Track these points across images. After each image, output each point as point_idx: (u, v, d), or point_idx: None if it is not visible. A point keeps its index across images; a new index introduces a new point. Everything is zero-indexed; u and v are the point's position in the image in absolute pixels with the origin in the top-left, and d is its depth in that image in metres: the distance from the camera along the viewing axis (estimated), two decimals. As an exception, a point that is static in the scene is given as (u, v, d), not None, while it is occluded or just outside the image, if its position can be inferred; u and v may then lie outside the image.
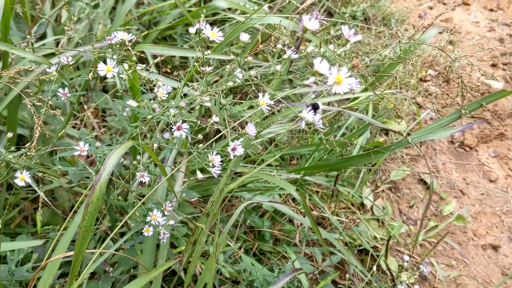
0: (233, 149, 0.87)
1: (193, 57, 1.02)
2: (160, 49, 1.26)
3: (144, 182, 1.07)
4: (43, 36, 2.44)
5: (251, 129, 0.90)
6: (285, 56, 0.96)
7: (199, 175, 0.99)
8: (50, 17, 2.70)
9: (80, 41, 2.55)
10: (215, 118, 1.27)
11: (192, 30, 0.96)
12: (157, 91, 1.16)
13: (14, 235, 2.02)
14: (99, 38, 2.68)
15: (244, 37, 0.88)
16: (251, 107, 2.14)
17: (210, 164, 1.04)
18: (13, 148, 1.12)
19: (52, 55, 1.58)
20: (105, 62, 0.96)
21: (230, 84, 0.96)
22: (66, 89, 1.16)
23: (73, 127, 2.51)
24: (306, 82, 0.83)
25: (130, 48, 1.11)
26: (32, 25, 1.80)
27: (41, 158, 1.65)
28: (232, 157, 0.88)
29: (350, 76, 0.76)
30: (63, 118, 1.91)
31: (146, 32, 2.64)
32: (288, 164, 2.55)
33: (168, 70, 1.12)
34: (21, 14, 1.48)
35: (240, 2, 2.59)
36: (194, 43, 0.95)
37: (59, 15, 2.88)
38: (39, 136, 1.89)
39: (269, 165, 2.45)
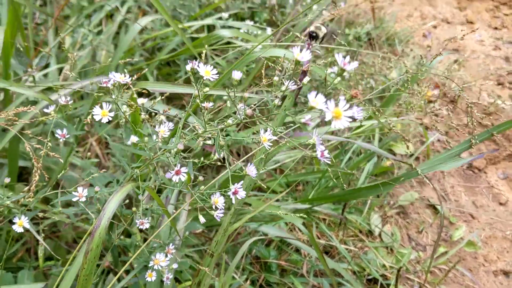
0: (234, 193, 0.83)
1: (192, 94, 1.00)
2: (161, 86, 1.24)
3: (145, 228, 1.04)
4: (46, 65, 2.43)
5: (251, 170, 0.86)
6: (283, 88, 0.92)
7: (201, 219, 0.96)
8: (54, 45, 2.70)
9: (83, 68, 2.54)
10: (216, 155, 1.24)
11: (187, 67, 0.93)
12: (158, 129, 1.13)
13: (16, 270, 1.98)
14: (102, 66, 2.68)
15: (237, 75, 0.85)
16: (256, 132, 2.11)
17: (213, 206, 1.00)
18: (14, 185, 1.09)
19: (50, 88, 1.56)
20: (101, 106, 0.93)
21: (230, 121, 0.93)
22: (65, 130, 1.13)
23: (77, 154, 2.48)
24: (303, 120, 0.80)
25: (130, 85, 1.09)
26: (33, 57, 1.78)
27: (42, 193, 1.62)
28: (233, 201, 0.84)
29: (349, 108, 0.72)
30: (65, 149, 1.89)
31: (148, 62, 2.64)
32: (294, 190, 2.50)
33: (169, 111, 1.09)
34: (21, 48, 1.46)
35: (243, 27, 2.59)
36: (192, 80, 0.92)
37: (62, 42, 2.87)
38: (41, 171, 1.87)
39: (274, 191, 2.41)
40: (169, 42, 2.63)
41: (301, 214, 2.14)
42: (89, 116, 1.01)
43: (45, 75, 2.38)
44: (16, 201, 1.04)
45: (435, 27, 4.04)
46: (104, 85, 0.95)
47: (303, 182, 2.53)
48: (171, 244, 1.15)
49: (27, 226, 1.03)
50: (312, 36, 1.28)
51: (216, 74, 0.85)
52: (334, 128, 0.70)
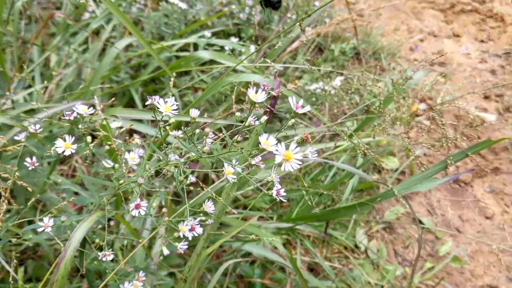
0: (191, 229, 0.83)
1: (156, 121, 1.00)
2: (128, 112, 1.24)
3: (112, 259, 1.03)
4: (29, 85, 2.43)
5: (209, 207, 0.86)
6: (246, 124, 0.92)
7: (165, 251, 0.96)
8: (38, 63, 2.70)
9: (68, 87, 2.54)
10: (192, 178, 1.23)
11: (148, 102, 0.93)
12: (127, 157, 1.13)
13: (-5, 292, 1.97)
14: (87, 84, 2.68)
15: (194, 113, 0.86)
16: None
17: (181, 233, 1.00)
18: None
19: (33, 111, 1.56)
20: (64, 138, 0.93)
21: (193, 154, 0.93)
22: (34, 158, 1.13)
23: (60, 172, 2.48)
24: (253, 162, 0.80)
25: (100, 112, 1.09)
26: (13, 77, 1.78)
27: (22, 213, 1.61)
28: (190, 238, 0.84)
29: (299, 152, 0.72)
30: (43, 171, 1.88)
31: (133, 80, 2.64)
32: (279, 206, 2.50)
33: (135, 141, 1.09)
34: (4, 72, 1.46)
35: (227, 44, 2.60)
36: (155, 117, 0.92)
37: (48, 60, 2.88)
38: (21, 190, 1.86)
39: (258, 209, 2.41)
40: (153, 60, 2.64)
41: (284, 232, 2.14)
42: (52, 148, 1.00)
43: (30, 94, 2.38)
44: (-16, 231, 1.03)
45: (422, 40, 4.07)
46: (67, 117, 0.95)
47: (287, 198, 2.53)
48: (141, 272, 1.15)
49: (-5, 257, 1.02)
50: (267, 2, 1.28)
51: (176, 110, 0.85)
52: (285, 170, 0.70)
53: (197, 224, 0.83)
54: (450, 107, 2.06)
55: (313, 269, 2.29)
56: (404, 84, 1.91)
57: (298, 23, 1.26)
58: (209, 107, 2.72)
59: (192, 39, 2.66)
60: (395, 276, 2.36)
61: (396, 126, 3.14)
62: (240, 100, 2.38)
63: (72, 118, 0.96)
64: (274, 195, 0.83)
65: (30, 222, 1.39)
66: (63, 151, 0.90)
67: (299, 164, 0.70)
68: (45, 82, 2.47)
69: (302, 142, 0.75)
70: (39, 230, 0.99)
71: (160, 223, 0.95)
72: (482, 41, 4.06)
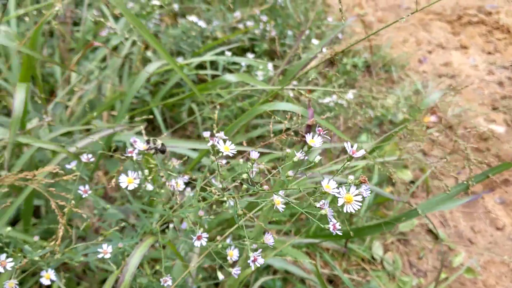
0: (254, 260, 0.90)
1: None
2: (176, 142, 1.31)
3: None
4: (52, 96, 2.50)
5: (268, 239, 0.93)
6: (295, 159, 0.99)
7: (220, 276, 1.03)
8: (61, 78, 2.77)
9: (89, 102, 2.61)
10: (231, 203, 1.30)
11: (208, 144, 0.99)
12: (173, 184, 1.20)
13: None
14: (108, 99, 2.75)
15: (255, 155, 0.92)
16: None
17: (229, 259, 1.07)
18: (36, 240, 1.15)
19: (68, 133, 1.63)
20: (127, 174, 1.00)
21: (244, 186, 1.00)
22: (87, 185, 1.20)
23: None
24: (318, 205, 0.87)
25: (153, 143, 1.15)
26: (47, 104, 1.85)
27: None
28: (253, 268, 0.91)
29: (358, 194, 0.80)
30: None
31: (153, 96, 2.71)
32: (298, 219, 2.57)
33: (172, 165, 1.16)
34: (38, 100, 1.53)
35: (244, 61, 2.67)
36: (213, 154, 0.98)
37: (69, 76, 2.96)
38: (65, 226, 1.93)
39: (277, 222, 2.48)
40: (173, 76, 2.71)
41: (303, 245, 2.21)
42: (113, 181, 1.07)
43: (52, 109, 2.45)
44: (43, 255, 1.11)
45: (430, 52, 4.15)
46: (129, 154, 1.02)
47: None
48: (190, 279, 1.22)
49: (54, 278, 1.09)
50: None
51: (234, 149, 0.92)
52: (344, 210, 0.77)
53: (259, 255, 0.90)
54: (462, 119, 2.14)
55: (332, 281, 2.35)
56: (421, 103, 1.98)
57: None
58: (228, 122, 2.79)
59: (208, 57, 2.74)
60: (411, 287, 2.43)
61: (407, 138, 3.21)
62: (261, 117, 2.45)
63: (134, 155, 1.03)
64: (331, 229, 0.90)
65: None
66: (126, 186, 0.97)
67: (359, 206, 0.77)
68: (69, 99, 2.54)
69: (360, 184, 0.82)
70: (99, 256, 1.06)
71: (208, 247, 1.02)
72: (489, 52, 4.14)
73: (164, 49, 1.67)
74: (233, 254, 1.07)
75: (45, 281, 1.10)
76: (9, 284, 1.07)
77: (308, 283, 2.30)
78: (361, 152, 0.85)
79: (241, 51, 3.21)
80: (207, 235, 0.99)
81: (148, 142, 1.10)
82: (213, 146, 0.92)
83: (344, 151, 2.66)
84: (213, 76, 2.82)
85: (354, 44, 1.98)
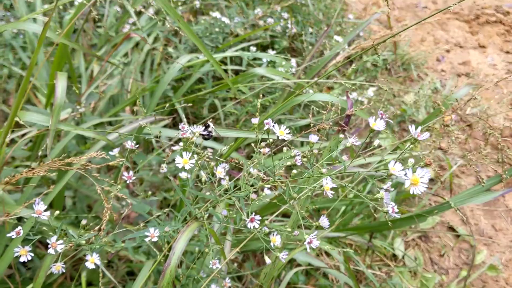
0: (309, 242, 0.91)
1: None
2: (224, 131, 1.31)
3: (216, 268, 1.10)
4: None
5: (324, 222, 0.94)
6: (347, 144, 1.00)
7: (267, 260, 1.03)
8: (85, 73, 2.80)
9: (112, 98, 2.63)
10: (266, 191, 1.31)
11: (254, 121, 1.00)
12: (215, 171, 1.21)
13: (57, 296, 2.06)
14: (132, 94, 2.77)
15: (314, 138, 0.93)
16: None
17: (272, 244, 1.07)
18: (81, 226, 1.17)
19: (101, 124, 1.65)
20: (181, 155, 1.01)
21: (295, 171, 1.01)
22: (131, 171, 1.22)
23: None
24: (384, 186, 0.88)
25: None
26: (88, 84, 1.87)
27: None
28: (308, 249, 0.92)
29: (424, 176, 0.80)
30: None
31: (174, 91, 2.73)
32: (317, 215, 2.57)
33: (236, 164, 1.17)
34: (74, 88, 1.55)
35: (265, 57, 2.68)
36: (257, 132, 1.00)
37: (92, 70, 2.98)
38: (83, 198, 1.95)
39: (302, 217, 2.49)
40: (196, 72, 2.73)
41: (326, 240, 2.21)
42: (163, 165, 1.09)
43: (86, 99, 2.47)
44: (88, 240, 1.12)
45: (448, 51, 4.14)
46: (183, 136, 1.03)
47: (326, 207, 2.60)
48: (227, 278, 1.23)
49: (98, 262, 1.10)
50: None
51: (289, 133, 0.92)
52: (411, 192, 0.78)
53: (314, 237, 0.91)
54: (482, 117, 2.14)
55: (355, 275, 2.36)
56: (447, 99, 1.98)
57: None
58: (249, 117, 2.80)
59: (230, 52, 2.75)
60: (432, 284, 2.43)
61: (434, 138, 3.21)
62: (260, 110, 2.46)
63: (188, 135, 1.04)
64: (390, 212, 0.90)
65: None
66: (182, 167, 0.98)
67: (425, 188, 0.78)
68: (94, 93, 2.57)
69: (426, 166, 0.83)
70: (147, 239, 1.07)
71: (258, 229, 1.03)
72: (507, 52, 4.12)
73: (198, 38, 1.68)
74: (276, 240, 1.08)
75: (89, 264, 1.11)
76: (56, 267, 1.08)
77: (331, 277, 2.30)
78: (426, 135, 0.86)
79: (260, 48, 3.22)
80: (260, 217, 0.99)
81: (206, 126, 1.11)
82: (268, 130, 0.93)
83: (367, 146, 2.66)
84: (236, 72, 2.84)
85: (383, 42, 1.98)
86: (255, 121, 1.02)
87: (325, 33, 2.44)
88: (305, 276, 2.25)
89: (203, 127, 1.08)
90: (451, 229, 2.78)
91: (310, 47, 2.91)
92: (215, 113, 2.80)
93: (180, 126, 1.08)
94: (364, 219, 2.42)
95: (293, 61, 2.49)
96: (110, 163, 1.14)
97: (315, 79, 2.07)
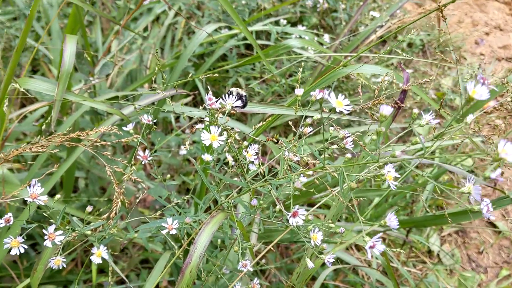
0: (371, 247, 0.72)
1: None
2: (258, 107, 1.12)
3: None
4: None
5: (392, 221, 0.75)
6: (422, 123, 0.81)
7: (310, 264, 0.85)
8: (102, 47, 2.64)
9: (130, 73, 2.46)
10: (302, 178, 1.12)
11: (317, 97, 0.80)
12: (245, 153, 1.03)
13: (66, 283, 1.92)
14: (151, 71, 2.60)
15: (387, 110, 0.73)
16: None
17: (312, 243, 0.89)
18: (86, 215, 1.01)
19: (115, 98, 1.47)
20: (208, 129, 0.83)
21: (348, 155, 0.82)
22: (147, 151, 1.04)
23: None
24: (492, 175, 0.69)
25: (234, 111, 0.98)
26: (100, 59, 1.70)
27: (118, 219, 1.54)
28: (369, 256, 0.73)
29: None
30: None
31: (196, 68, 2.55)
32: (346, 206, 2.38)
33: (275, 140, 0.98)
34: (86, 56, 1.38)
35: (296, 32, 2.48)
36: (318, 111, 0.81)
37: (110, 45, 2.81)
38: (96, 180, 1.79)
39: (327, 206, 2.31)
40: (218, 48, 2.54)
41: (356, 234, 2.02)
42: (187, 143, 0.91)
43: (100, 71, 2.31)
44: (94, 229, 0.95)
45: (487, 34, 3.87)
46: (211, 106, 0.85)
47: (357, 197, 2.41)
48: (256, 279, 1.05)
49: (106, 257, 0.94)
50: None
51: (349, 105, 0.73)
52: None
53: (378, 241, 0.72)
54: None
55: (386, 273, 2.17)
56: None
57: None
58: (276, 98, 2.61)
59: (258, 26, 2.55)
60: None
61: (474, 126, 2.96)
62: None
63: (217, 105, 0.86)
64: (484, 212, 0.72)
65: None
66: (210, 144, 0.80)
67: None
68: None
69: None
70: (163, 231, 0.90)
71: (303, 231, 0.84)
72: (552, 36, 3.84)
73: (229, 4, 1.48)
74: (317, 237, 0.90)
75: (96, 259, 0.95)
76: (55, 261, 0.92)
77: (361, 273, 2.12)
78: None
79: (288, 25, 3.02)
80: (305, 212, 0.81)
81: (238, 96, 0.93)
82: (321, 100, 0.74)
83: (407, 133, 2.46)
84: (262, 48, 2.64)
85: (424, 16, 1.76)
86: (299, 92, 0.83)
87: (362, 8, 2.22)
88: (332, 271, 2.08)
89: (236, 97, 0.89)
90: (491, 224, 2.57)
91: (343, 24, 2.69)
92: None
93: (206, 97, 0.89)
94: (398, 212, 2.22)
95: (326, 36, 2.28)
96: (123, 140, 0.97)
97: (353, 54, 1.87)
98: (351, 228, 1.83)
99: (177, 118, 2.51)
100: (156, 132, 2.01)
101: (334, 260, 1.67)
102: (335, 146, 0.92)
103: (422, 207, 2.20)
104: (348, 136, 0.91)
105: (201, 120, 1.18)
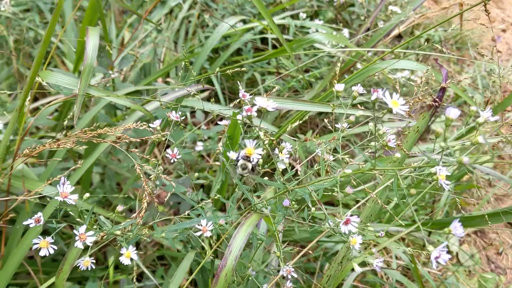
0: (437, 257, 0.68)
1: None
2: (283, 102, 1.07)
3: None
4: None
5: (457, 228, 0.70)
6: (480, 120, 0.76)
7: (357, 269, 0.81)
8: (116, 40, 2.59)
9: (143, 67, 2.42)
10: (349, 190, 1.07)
11: (373, 97, 0.75)
12: (277, 152, 0.99)
13: (81, 280, 1.88)
14: (165, 64, 2.56)
15: (454, 113, 0.67)
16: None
17: (352, 247, 0.85)
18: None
19: (136, 93, 1.43)
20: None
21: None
22: (176, 149, 1.00)
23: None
24: None
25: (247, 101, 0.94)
26: (118, 53, 1.65)
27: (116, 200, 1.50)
28: (434, 266, 0.69)
29: None
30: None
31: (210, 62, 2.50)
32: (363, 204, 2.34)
33: (309, 139, 0.94)
34: (107, 47, 1.33)
35: (313, 26, 2.43)
36: (371, 111, 0.76)
37: (123, 38, 2.77)
38: (112, 176, 1.75)
39: (346, 205, 2.27)
40: (234, 43, 2.49)
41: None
42: (199, 142, 0.87)
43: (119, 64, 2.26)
44: (123, 229, 0.91)
45: (504, 31, 3.80)
46: (248, 113, 0.80)
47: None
48: (288, 282, 1.01)
49: (135, 257, 0.90)
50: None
51: (405, 105, 0.68)
52: None
53: (443, 250, 0.68)
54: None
55: (405, 274, 2.13)
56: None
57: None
58: (292, 94, 2.56)
59: (282, 20, 2.51)
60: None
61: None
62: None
63: (254, 113, 0.81)
64: None
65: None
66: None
67: None
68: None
69: None
70: (197, 234, 0.86)
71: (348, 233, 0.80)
72: None
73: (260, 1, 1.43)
74: (356, 241, 0.86)
75: (125, 260, 0.91)
76: (84, 262, 0.88)
77: (380, 274, 2.08)
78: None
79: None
80: (358, 219, 0.77)
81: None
82: (375, 101, 0.69)
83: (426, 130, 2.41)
84: (280, 42, 2.59)
85: (466, 10, 1.72)
86: (339, 87, 0.78)
87: (382, 3, 2.17)
88: (350, 271, 2.03)
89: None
90: (510, 224, 2.52)
91: (361, 19, 2.64)
92: (255, 89, 2.57)
93: (240, 94, 0.85)
94: (418, 212, 2.18)
95: (346, 31, 2.22)
96: (153, 137, 0.93)
97: (383, 49, 1.83)
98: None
99: (192, 113, 2.46)
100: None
101: (356, 262, 1.63)
102: (373, 143, 0.88)
103: (442, 208, 2.16)
104: (387, 131, 0.86)
105: (222, 118, 1.14)
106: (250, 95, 0.91)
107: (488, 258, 2.37)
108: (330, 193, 0.88)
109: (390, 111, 0.68)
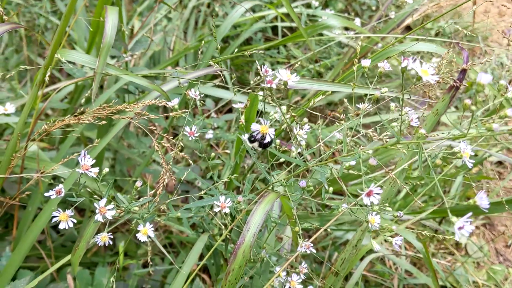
0: (460, 228, 0.67)
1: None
2: (310, 83, 1.06)
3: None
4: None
5: (483, 199, 0.70)
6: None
7: (376, 247, 0.81)
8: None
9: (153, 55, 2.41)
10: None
11: (403, 65, 0.73)
12: (296, 132, 0.98)
13: (91, 265, 1.89)
14: (175, 53, 2.55)
15: (485, 78, 0.66)
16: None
17: (369, 225, 0.85)
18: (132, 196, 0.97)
19: (148, 77, 1.43)
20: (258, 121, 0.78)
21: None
22: (194, 127, 1.00)
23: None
24: None
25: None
26: (128, 41, 1.65)
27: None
28: (458, 238, 0.68)
29: None
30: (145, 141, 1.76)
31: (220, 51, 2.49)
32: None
33: (334, 117, 0.94)
34: (125, 30, 1.33)
35: (324, 15, 2.42)
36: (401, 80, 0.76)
37: (133, 26, 2.76)
38: (123, 161, 1.75)
39: (355, 195, 2.26)
40: (244, 32, 2.48)
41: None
42: (210, 130, 0.87)
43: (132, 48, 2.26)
44: (140, 206, 0.91)
45: (514, 24, 3.78)
46: (268, 85, 0.80)
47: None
48: (303, 263, 1.01)
49: (152, 235, 0.90)
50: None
51: (434, 74, 0.68)
52: None
53: (468, 221, 0.67)
54: None
55: (415, 263, 2.13)
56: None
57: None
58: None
59: (296, 9, 2.49)
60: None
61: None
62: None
63: (274, 85, 0.81)
64: None
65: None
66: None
67: None
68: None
69: None
70: (216, 210, 0.86)
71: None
72: None
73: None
74: (374, 220, 0.86)
75: (142, 237, 0.91)
76: (102, 237, 0.88)
77: (388, 263, 2.08)
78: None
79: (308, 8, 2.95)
80: (381, 190, 0.77)
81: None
82: (404, 69, 0.69)
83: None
84: (292, 30, 2.58)
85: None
86: (366, 62, 0.78)
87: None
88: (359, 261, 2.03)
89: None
90: (519, 217, 2.51)
91: (372, 9, 2.62)
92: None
93: (262, 70, 0.84)
94: (427, 202, 2.17)
95: (357, 20, 2.21)
96: (172, 114, 0.92)
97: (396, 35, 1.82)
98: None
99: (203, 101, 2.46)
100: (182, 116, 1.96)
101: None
102: (396, 124, 0.87)
103: (452, 198, 2.15)
104: (410, 110, 0.86)
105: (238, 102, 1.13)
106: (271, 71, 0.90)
107: (496, 251, 2.36)
108: (350, 172, 0.87)
109: (419, 79, 0.68)
